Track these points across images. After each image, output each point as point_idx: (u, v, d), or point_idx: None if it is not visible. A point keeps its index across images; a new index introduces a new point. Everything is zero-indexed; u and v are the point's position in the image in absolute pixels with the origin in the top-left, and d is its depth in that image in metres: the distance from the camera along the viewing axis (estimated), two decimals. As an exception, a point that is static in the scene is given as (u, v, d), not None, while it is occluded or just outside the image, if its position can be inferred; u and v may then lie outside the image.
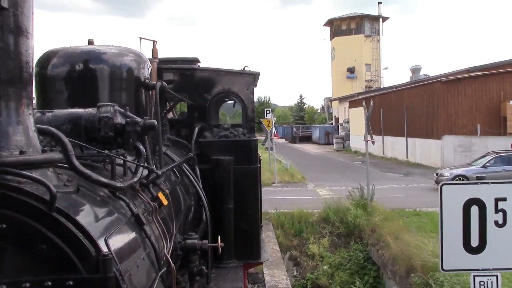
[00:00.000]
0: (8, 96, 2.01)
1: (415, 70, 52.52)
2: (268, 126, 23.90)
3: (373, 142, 16.93)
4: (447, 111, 28.83)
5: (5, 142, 1.98)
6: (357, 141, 44.92)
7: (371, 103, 16.88)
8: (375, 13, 68.08)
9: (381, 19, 67.87)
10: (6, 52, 1.98)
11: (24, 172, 1.94)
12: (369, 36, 66.28)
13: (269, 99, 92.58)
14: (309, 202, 17.55)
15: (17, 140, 2.03)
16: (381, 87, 58.56)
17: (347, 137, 49.00)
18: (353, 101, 48.76)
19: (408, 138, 33.94)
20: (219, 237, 4.57)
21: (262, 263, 6.48)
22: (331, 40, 71.01)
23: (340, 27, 68.28)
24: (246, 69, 6.48)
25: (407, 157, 34.20)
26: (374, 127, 38.55)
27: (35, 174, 1.99)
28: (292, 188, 22.81)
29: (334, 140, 50.58)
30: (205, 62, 8.41)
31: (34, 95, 2.84)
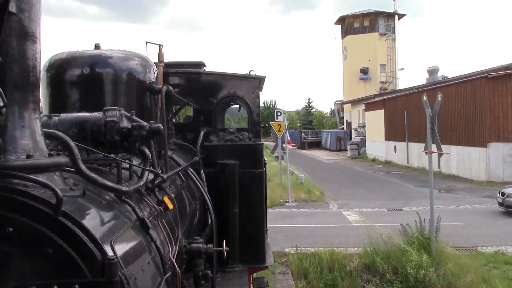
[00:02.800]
0: (15, 100, 2.02)
1: (432, 71, 48.28)
2: (278, 130, 19.97)
3: (440, 154, 12.02)
4: (494, 113, 23.67)
5: (12, 146, 1.99)
6: (375, 148, 41.23)
7: (439, 96, 11.17)
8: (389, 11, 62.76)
9: (396, 16, 62.45)
10: (13, 57, 2.00)
11: (30, 176, 1.95)
12: (384, 34, 61.11)
13: (275, 103, 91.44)
14: (337, 232, 13.30)
15: (24, 144, 2.04)
16: (397, 88, 54.47)
17: (362, 143, 45.09)
18: (369, 104, 44.41)
19: (441, 146, 29.91)
20: (224, 241, 4.58)
21: (267, 267, 6.48)
22: (342, 39, 65.67)
23: (352, 24, 63.01)
24: (252, 73, 6.49)
25: (439, 168, 28.09)
26: (397, 132, 35.60)
27: (41, 178, 2.00)
28: (311, 209, 18.36)
29: (348, 146, 46.49)
30: (211, 66, 8.44)
31: (41, 99, 2.86)
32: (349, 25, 63.42)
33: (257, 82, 6.49)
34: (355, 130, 50.41)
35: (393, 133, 36.94)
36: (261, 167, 6.23)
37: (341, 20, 65.45)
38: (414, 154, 32.89)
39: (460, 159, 26.56)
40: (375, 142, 41.47)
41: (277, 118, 21.01)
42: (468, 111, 25.71)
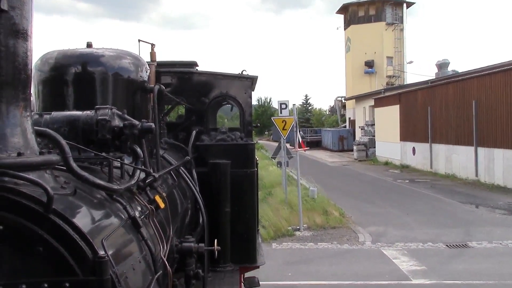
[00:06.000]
0: (6, 98, 2.02)
1: (442, 65, 43.50)
2: (283, 129, 14.75)
3: None
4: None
5: (3, 144, 1.99)
6: (387, 149, 35.58)
7: None
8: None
9: (405, 4, 56.48)
10: (5, 54, 1.99)
11: (21, 174, 1.95)
12: (391, 24, 55.25)
13: (270, 100, 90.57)
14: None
15: (15, 142, 2.04)
16: (405, 83, 48.48)
17: (371, 144, 39.74)
18: (381, 99, 38.45)
19: (480, 148, 23.11)
20: (215, 240, 4.58)
21: (258, 267, 6.48)
22: (345, 29, 59.63)
23: (356, 13, 56.80)
24: (244, 73, 6.51)
25: (476, 175, 23.34)
26: (417, 131, 30.56)
27: (32, 176, 2.00)
28: (334, 243, 12.52)
29: (354, 147, 41.46)
30: (205, 65, 8.47)
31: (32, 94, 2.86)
32: (353, 14, 57.30)
33: (249, 82, 6.51)
34: (361, 129, 44.67)
35: (411, 132, 31.79)
36: (252, 167, 6.24)
37: (344, 9, 59.22)
38: (440, 157, 27.52)
39: (510, 165, 21.09)
40: (387, 142, 35.61)
41: (281, 113, 15.49)
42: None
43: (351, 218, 15.58)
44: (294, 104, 15.26)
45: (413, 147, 31.43)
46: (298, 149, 14.97)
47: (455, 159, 25.78)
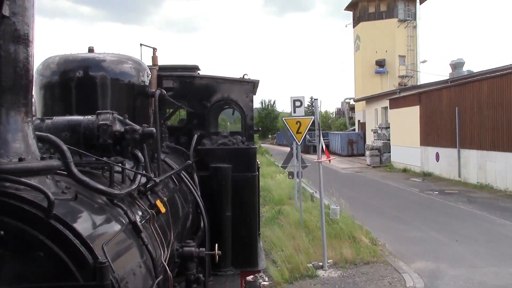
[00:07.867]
0: (7, 104, 2.03)
1: (457, 65, 39.65)
2: (297, 132, 11.70)
3: None
4: None
5: (4, 149, 2.00)
6: (404, 154, 31.81)
7: None
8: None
9: (418, 0, 52.28)
10: (6, 60, 2.00)
11: (22, 179, 1.96)
12: (403, 20, 51.30)
13: (274, 103, 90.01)
14: None
15: (16, 147, 2.05)
16: (418, 84, 44.62)
17: (385, 149, 35.69)
18: (397, 100, 34.74)
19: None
20: (216, 245, 4.59)
21: (259, 271, 6.48)
22: (354, 27, 55.33)
23: (366, 9, 52.64)
24: (246, 77, 6.53)
25: None
26: (441, 135, 27.13)
27: (33, 181, 2.01)
28: None
29: (367, 152, 37.41)
30: (207, 68, 8.48)
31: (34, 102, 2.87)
32: (363, 10, 53.17)
33: (250, 85, 6.53)
34: (374, 132, 40.58)
35: (434, 136, 28.03)
36: (254, 171, 6.25)
37: (353, 5, 54.77)
38: (471, 165, 23.26)
39: None
40: (405, 147, 31.91)
41: (294, 112, 12.63)
42: None
43: (385, 246, 11.80)
44: (317, 99, 11.01)
45: (437, 153, 27.56)
46: (322, 160, 10.55)
47: (490, 167, 21.59)
